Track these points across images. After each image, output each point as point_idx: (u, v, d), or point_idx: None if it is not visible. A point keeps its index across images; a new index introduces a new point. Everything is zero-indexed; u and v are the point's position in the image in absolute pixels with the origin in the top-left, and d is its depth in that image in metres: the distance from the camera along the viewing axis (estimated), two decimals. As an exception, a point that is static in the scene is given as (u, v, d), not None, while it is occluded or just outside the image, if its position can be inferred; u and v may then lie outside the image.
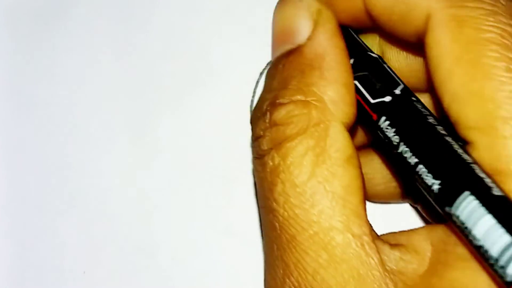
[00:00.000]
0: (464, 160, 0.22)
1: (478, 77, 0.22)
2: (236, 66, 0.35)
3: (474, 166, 0.21)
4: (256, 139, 0.25)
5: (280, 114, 0.24)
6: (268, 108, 0.24)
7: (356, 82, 0.25)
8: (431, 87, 0.27)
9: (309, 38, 0.25)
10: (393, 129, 0.24)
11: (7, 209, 0.36)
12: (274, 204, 0.24)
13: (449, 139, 0.23)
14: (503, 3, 0.23)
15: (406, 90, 0.25)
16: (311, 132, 0.23)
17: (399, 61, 0.28)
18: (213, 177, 0.36)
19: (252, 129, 0.26)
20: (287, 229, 0.23)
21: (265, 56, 0.34)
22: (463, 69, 0.22)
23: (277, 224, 0.24)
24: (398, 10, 0.24)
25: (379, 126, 0.25)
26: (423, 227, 0.23)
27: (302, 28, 0.25)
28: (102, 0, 0.38)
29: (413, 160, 0.23)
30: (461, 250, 0.22)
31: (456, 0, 0.23)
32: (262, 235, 0.26)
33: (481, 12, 0.22)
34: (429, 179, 0.22)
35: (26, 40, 0.38)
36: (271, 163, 0.24)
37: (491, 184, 0.21)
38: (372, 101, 0.25)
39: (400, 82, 0.25)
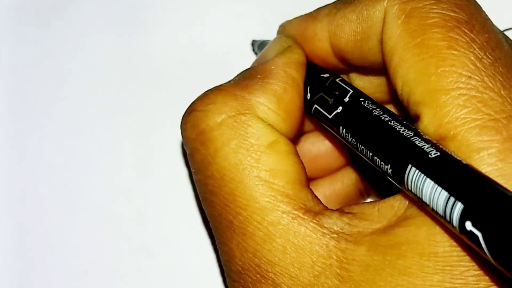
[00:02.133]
0: (405, 136, 0.23)
1: (423, 57, 0.23)
2: (239, 70, 0.36)
3: (415, 139, 0.23)
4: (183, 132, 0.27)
5: (202, 100, 0.26)
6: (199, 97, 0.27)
7: (316, 105, 0.28)
8: (393, 97, 0.29)
9: (268, 60, 0.28)
10: (349, 133, 0.26)
11: (8, 209, 0.36)
12: (210, 195, 0.26)
13: (392, 122, 0.24)
14: None
15: (355, 95, 0.26)
16: (228, 123, 0.25)
17: (363, 80, 0.30)
18: None
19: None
20: (225, 216, 0.25)
21: None
22: (410, 53, 0.24)
23: (216, 213, 0.25)
24: (359, 34, 0.26)
25: (342, 136, 0.26)
26: (378, 200, 0.25)
27: (269, 54, 0.28)
28: (104, 0, 0.38)
29: (369, 154, 0.25)
30: (409, 212, 0.23)
31: None
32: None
33: (426, 2, 0.24)
34: (384, 166, 0.24)
35: (29, 40, 0.38)
36: (199, 156, 0.26)
37: (429, 149, 0.22)
38: (330, 116, 0.27)
39: (350, 89, 0.27)
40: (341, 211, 0.25)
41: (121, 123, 0.37)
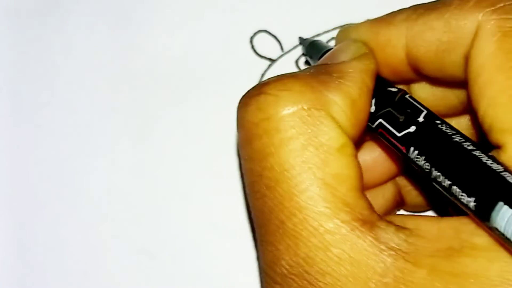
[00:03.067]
0: (494, 170, 0.22)
1: None
2: (237, 68, 0.35)
3: (505, 174, 0.22)
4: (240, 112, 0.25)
5: (276, 84, 0.24)
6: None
7: (381, 120, 0.26)
8: (459, 111, 0.29)
9: (345, 61, 0.26)
10: (423, 157, 0.24)
11: (8, 209, 0.36)
12: (264, 188, 0.24)
13: (477, 153, 0.23)
14: None
15: (429, 115, 0.25)
16: (302, 115, 0.24)
17: (424, 92, 0.29)
18: (215, 178, 0.36)
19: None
20: (277, 214, 0.24)
21: (265, 61, 0.37)
22: (504, 75, 0.23)
23: (266, 209, 0.24)
24: (442, 44, 0.25)
25: (410, 157, 0.25)
26: (436, 216, 0.24)
27: (344, 56, 0.27)
28: (102, 0, 0.38)
29: (447, 182, 0.23)
30: (479, 241, 0.22)
31: (502, 14, 0.23)
32: (252, 222, 0.26)
33: None
34: (464, 198, 0.22)
35: (26, 40, 0.38)
36: (259, 144, 0.24)
37: None
38: (399, 134, 0.26)
39: (423, 109, 0.26)
40: (396, 225, 0.24)
41: (121, 122, 0.37)
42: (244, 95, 0.25)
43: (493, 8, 0.23)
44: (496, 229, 0.21)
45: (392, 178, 0.32)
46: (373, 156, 0.31)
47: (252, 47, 0.36)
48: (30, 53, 0.38)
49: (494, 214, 0.21)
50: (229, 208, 0.35)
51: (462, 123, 0.29)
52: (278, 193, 0.24)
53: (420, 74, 0.27)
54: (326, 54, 0.28)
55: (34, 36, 0.38)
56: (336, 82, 0.25)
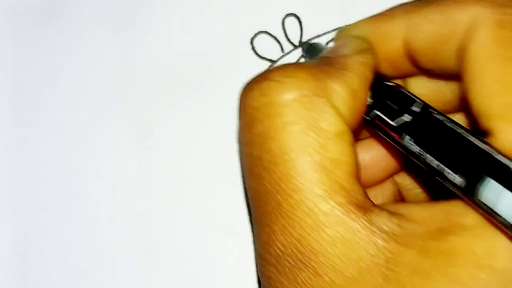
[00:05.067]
0: (481, 149, 0.23)
1: (508, 71, 0.23)
2: (238, 69, 0.35)
3: (492, 151, 0.22)
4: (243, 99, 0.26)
5: (280, 71, 0.25)
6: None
7: (377, 111, 0.27)
8: (455, 107, 0.29)
9: (347, 55, 0.27)
10: (417, 142, 0.25)
11: (10, 208, 0.36)
12: (262, 171, 0.25)
13: (467, 135, 0.24)
14: None
15: (423, 105, 0.26)
16: (303, 101, 0.24)
17: (421, 87, 0.29)
18: (215, 177, 0.36)
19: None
20: (274, 196, 0.24)
21: (266, 62, 0.37)
22: (496, 63, 0.23)
23: (263, 191, 0.25)
24: (438, 36, 0.26)
25: (403, 145, 0.26)
26: (427, 202, 0.24)
27: (346, 50, 0.28)
28: (103, 0, 0.38)
29: (437, 164, 0.24)
30: (466, 220, 0.23)
31: (497, 6, 0.24)
32: (248, 204, 0.27)
33: None
34: (453, 177, 0.23)
35: (28, 40, 0.38)
36: (260, 127, 0.25)
37: (508, 163, 0.22)
38: (393, 123, 0.26)
39: (417, 99, 0.26)
40: (389, 211, 0.24)
41: (121, 122, 0.37)
42: (247, 83, 0.26)
43: (488, 1, 0.24)
44: (482, 202, 0.22)
45: (391, 175, 0.32)
46: (373, 153, 0.31)
47: (253, 48, 0.37)
48: (32, 53, 0.38)
49: (479, 186, 0.22)
50: (229, 207, 0.35)
51: (457, 120, 0.30)
52: (276, 175, 0.24)
53: (417, 66, 0.28)
54: (328, 49, 0.29)
55: (36, 36, 0.38)
56: (338, 72, 0.26)
